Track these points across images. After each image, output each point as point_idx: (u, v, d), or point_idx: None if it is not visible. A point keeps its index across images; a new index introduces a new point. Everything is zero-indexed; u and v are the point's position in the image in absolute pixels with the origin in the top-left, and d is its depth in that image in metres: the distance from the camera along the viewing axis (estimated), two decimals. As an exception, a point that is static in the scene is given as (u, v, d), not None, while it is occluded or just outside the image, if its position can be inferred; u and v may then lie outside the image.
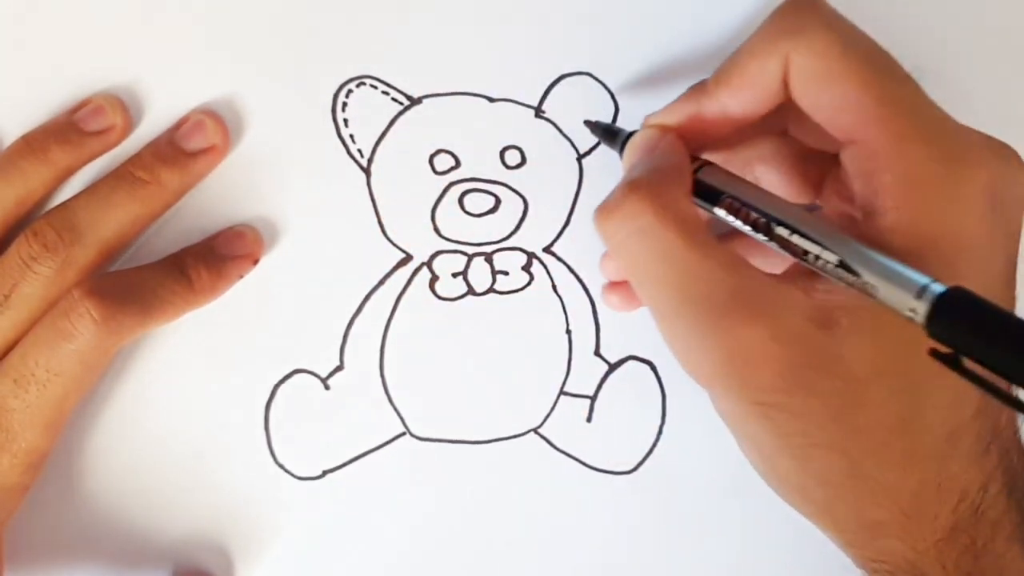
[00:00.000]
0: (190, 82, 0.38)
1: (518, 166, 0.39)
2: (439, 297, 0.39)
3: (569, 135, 0.39)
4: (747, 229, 0.31)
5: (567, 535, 0.40)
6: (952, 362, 0.26)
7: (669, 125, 0.33)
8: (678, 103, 0.33)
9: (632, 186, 0.30)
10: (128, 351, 0.38)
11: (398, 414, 0.39)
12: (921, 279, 0.27)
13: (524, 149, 0.39)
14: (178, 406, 0.39)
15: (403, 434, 0.39)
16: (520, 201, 0.39)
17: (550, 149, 0.39)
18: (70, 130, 0.37)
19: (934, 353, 0.27)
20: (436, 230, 0.39)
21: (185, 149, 0.37)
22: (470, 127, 0.39)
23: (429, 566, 0.40)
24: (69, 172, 0.38)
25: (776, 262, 0.34)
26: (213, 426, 0.39)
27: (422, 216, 0.39)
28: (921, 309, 0.27)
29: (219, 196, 0.38)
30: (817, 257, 0.29)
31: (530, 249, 0.39)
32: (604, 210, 0.31)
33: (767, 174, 0.35)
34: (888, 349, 0.29)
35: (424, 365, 0.39)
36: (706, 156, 0.34)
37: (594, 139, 0.39)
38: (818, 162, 0.34)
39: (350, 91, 0.38)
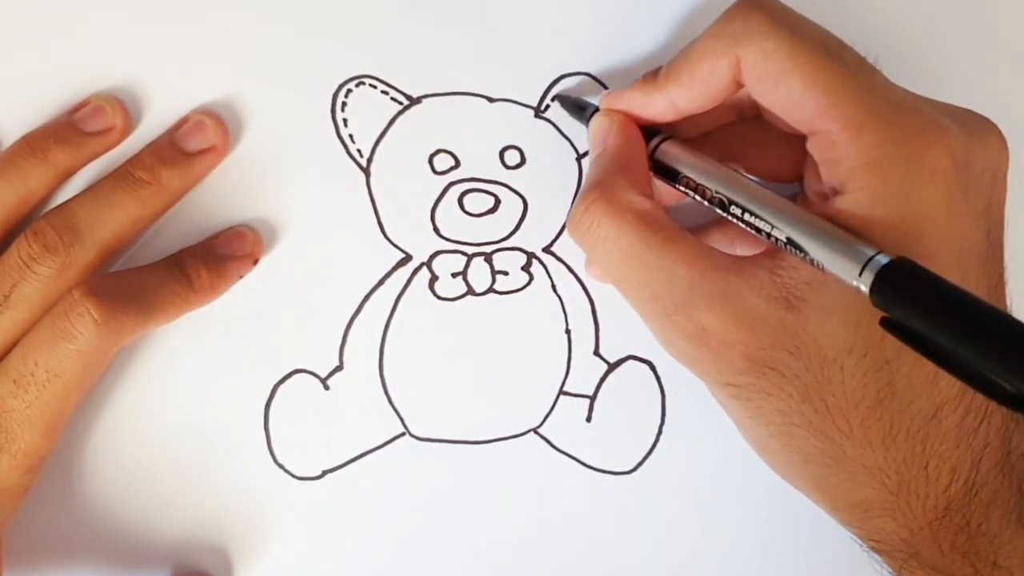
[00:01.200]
0: (190, 82, 0.38)
1: (518, 166, 0.39)
2: (439, 297, 0.39)
3: (569, 135, 0.39)
4: (707, 204, 0.33)
5: (567, 535, 0.40)
6: (903, 332, 0.27)
7: (622, 111, 0.35)
8: (630, 91, 0.35)
9: (588, 195, 0.32)
10: (128, 352, 0.38)
11: (397, 414, 0.39)
12: (867, 251, 0.28)
13: (524, 149, 0.39)
14: (178, 406, 0.39)
15: (402, 434, 0.39)
16: (520, 201, 0.39)
17: (550, 149, 0.39)
18: (70, 131, 0.37)
19: (884, 322, 0.27)
20: (436, 230, 0.39)
21: (185, 149, 0.37)
22: (470, 127, 0.39)
23: (428, 566, 0.40)
24: (69, 173, 0.38)
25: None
26: (213, 426, 0.39)
27: (422, 216, 0.39)
28: (866, 280, 0.27)
29: (219, 196, 0.38)
30: (769, 235, 0.30)
31: (530, 249, 0.39)
32: (571, 223, 0.33)
33: (748, 156, 0.36)
34: (857, 326, 0.29)
35: (423, 365, 0.39)
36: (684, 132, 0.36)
37: (594, 139, 0.39)
38: (795, 143, 0.34)
39: (349, 91, 0.38)
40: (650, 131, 0.35)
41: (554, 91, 0.39)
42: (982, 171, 0.30)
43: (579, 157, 0.39)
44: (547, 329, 0.40)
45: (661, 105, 0.34)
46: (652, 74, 0.34)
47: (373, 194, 0.39)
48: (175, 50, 0.38)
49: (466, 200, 0.39)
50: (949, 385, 0.29)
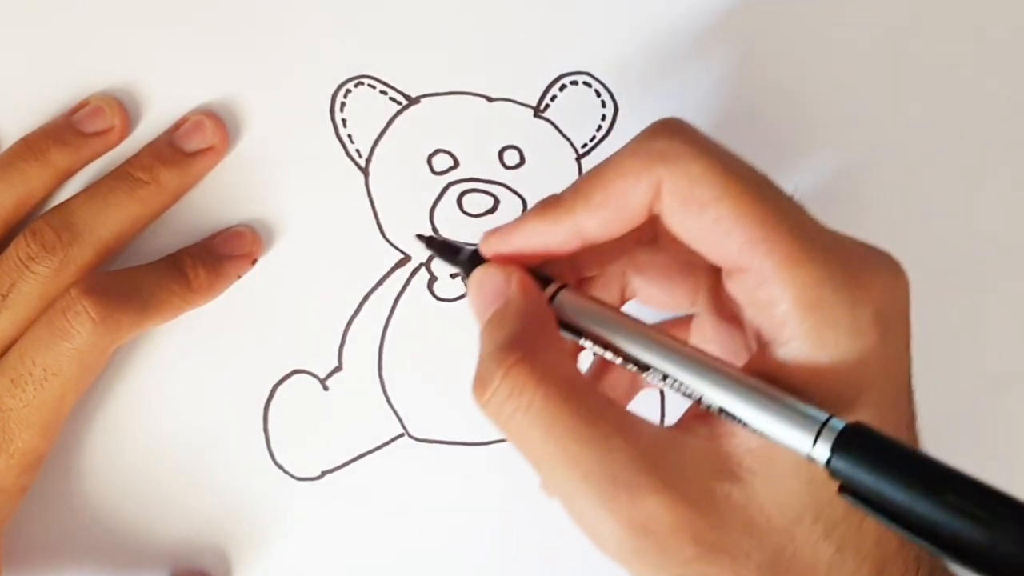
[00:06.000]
0: (189, 83, 0.38)
1: (517, 166, 0.39)
2: (437, 298, 0.39)
3: (568, 135, 0.39)
4: (619, 362, 0.29)
5: (566, 535, 0.40)
6: (861, 498, 0.25)
7: (511, 253, 0.30)
8: (525, 221, 0.30)
9: (505, 358, 0.27)
10: (126, 352, 0.38)
11: (396, 415, 0.39)
12: (818, 416, 0.25)
13: (523, 149, 0.39)
14: (177, 407, 0.39)
15: (401, 435, 0.39)
16: (519, 201, 0.39)
17: (549, 149, 0.39)
18: (69, 132, 0.37)
19: (844, 491, 0.25)
20: (435, 230, 0.39)
21: (184, 149, 0.37)
22: (469, 127, 0.39)
23: (428, 567, 0.40)
24: (68, 173, 0.38)
25: None
26: (212, 426, 0.39)
27: (420, 216, 0.39)
28: (821, 450, 0.25)
29: (217, 196, 0.38)
30: (699, 400, 0.27)
31: (529, 249, 0.39)
32: (480, 388, 0.28)
33: (641, 285, 0.34)
34: (807, 492, 0.26)
35: (423, 366, 0.39)
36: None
37: (593, 139, 0.39)
38: (695, 272, 0.33)
39: (348, 91, 0.38)
40: (539, 277, 0.30)
41: (565, 100, 0.38)
42: (898, 312, 0.28)
43: (579, 157, 0.39)
44: (546, 329, 0.39)
45: (564, 233, 0.29)
46: (551, 199, 0.29)
47: (372, 194, 0.39)
48: (174, 50, 0.38)
49: (465, 200, 0.39)
50: (888, 540, 0.28)
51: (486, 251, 0.30)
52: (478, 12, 0.39)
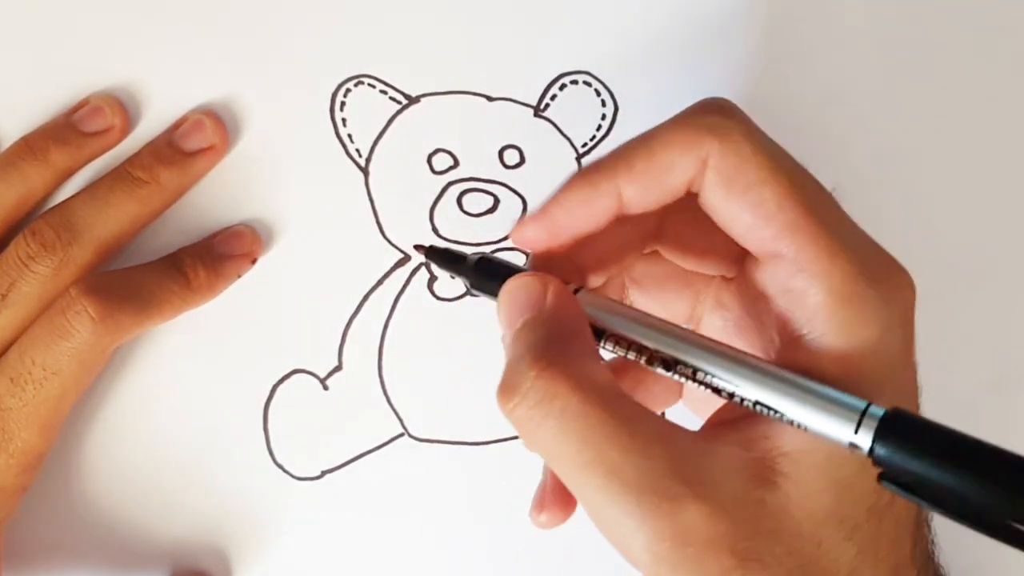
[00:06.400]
0: (189, 82, 0.38)
1: (517, 166, 0.39)
2: (437, 297, 0.39)
3: (568, 134, 0.39)
4: (643, 363, 0.28)
5: (566, 535, 0.40)
6: (908, 488, 0.25)
7: (546, 233, 0.30)
8: (562, 191, 0.29)
9: (538, 361, 0.26)
10: (126, 352, 0.38)
11: (396, 415, 0.39)
12: (858, 404, 0.25)
13: (523, 148, 0.39)
14: (176, 406, 0.39)
15: (401, 435, 0.39)
16: (519, 201, 0.39)
17: (549, 148, 0.39)
18: (69, 131, 0.37)
19: (886, 479, 0.25)
20: (434, 230, 0.39)
21: (184, 149, 0.37)
22: (469, 126, 0.39)
23: (428, 567, 0.40)
24: (68, 173, 0.38)
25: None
26: (212, 426, 0.39)
27: (420, 216, 0.39)
28: (863, 437, 0.25)
29: (217, 196, 0.38)
30: (732, 395, 0.27)
31: (529, 249, 0.39)
32: (508, 392, 0.27)
33: (638, 297, 0.34)
34: (832, 491, 0.26)
35: (423, 366, 0.39)
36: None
37: (593, 138, 0.39)
38: (694, 283, 0.33)
39: (348, 90, 0.38)
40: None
41: (565, 99, 0.38)
42: (912, 319, 0.28)
43: (579, 156, 0.39)
44: (546, 329, 0.39)
45: (605, 200, 0.29)
46: (590, 166, 0.29)
47: (372, 194, 0.39)
48: (174, 50, 0.38)
49: (465, 200, 0.39)
50: (906, 542, 0.28)
51: (518, 238, 0.30)
52: (478, 12, 0.39)
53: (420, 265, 0.39)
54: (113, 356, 0.37)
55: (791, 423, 0.26)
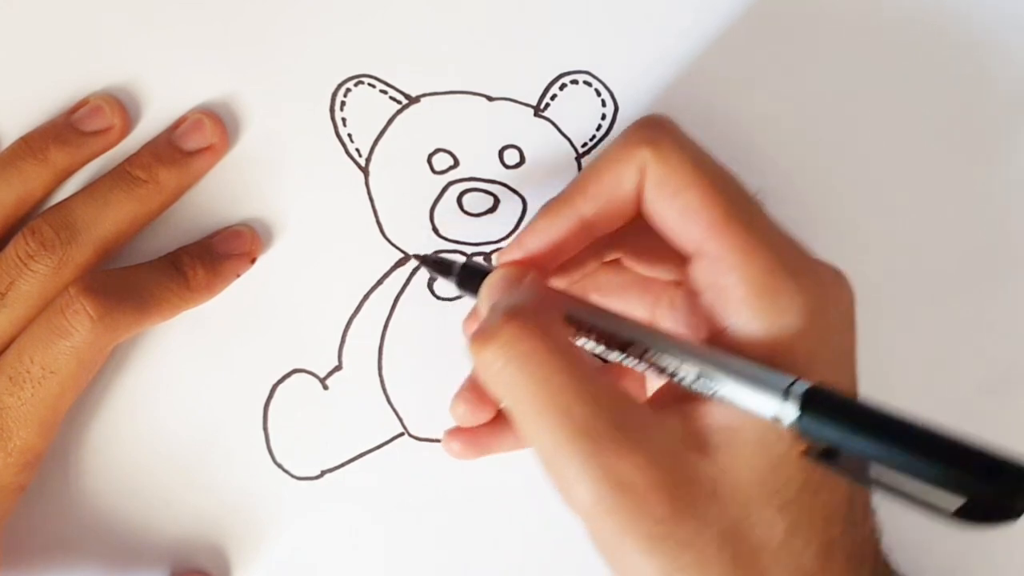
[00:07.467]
0: (188, 82, 0.38)
1: (517, 165, 0.39)
2: (437, 297, 0.39)
3: (568, 134, 0.39)
4: (600, 350, 0.31)
5: (565, 535, 0.40)
6: (830, 458, 0.27)
7: (525, 258, 0.33)
8: (530, 226, 0.33)
9: (510, 312, 0.29)
10: (126, 351, 0.38)
11: (396, 414, 0.39)
12: (783, 380, 0.28)
13: (523, 148, 0.39)
14: (176, 406, 0.39)
15: (401, 434, 0.39)
16: (519, 201, 0.39)
17: (549, 148, 0.39)
18: (68, 131, 0.37)
19: (809, 453, 0.27)
20: (434, 230, 0.39)
21: (183, 148, 0.37)
22: (469, 126, 0.39)
23: (427, 566, 0.40)
24: (68, 173, 0.38)
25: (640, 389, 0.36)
26: (211, 426, 0.39)
27: (420, 216, 0.39)
28: (788, 411, 0.27)
29: (217, 195, 0.38)
30: (674, 373, 0.29)
31: (529, 249, 0.39)
32: (480, 336, 0.29)
33: (603, 303, 0.34)
34: (764, 464, 0.29)
35: (423, 365, 0.39)
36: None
37: (593, 138, 0.39)
38: (652, 289, 0.35)
39: (348, 90, 0.38)
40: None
41: (565, 99, 0.39)
42: (841, 314, 0.31)
43: (579, 156, 0.39)
44: (546, 329, 0.39)
45: (568, 225, 0.32)
46: (552, 200, 0.33)
47: (372, 193, 0.39)
48: (174, 49, 0.38)
49: (465, 200, 0.39)
50: (837, 521, 0.29)
51: (503, 258, 0.33)
52: (478, 11, 0.39)
53: (420, 265, 0.39)
54: (112, 355, 0.37)
55: (723, 400, 0.29)
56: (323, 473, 0.39)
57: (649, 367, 0.30)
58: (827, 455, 0.27)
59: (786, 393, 0.27)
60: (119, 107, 0.38)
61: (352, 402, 0.39)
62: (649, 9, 0.39)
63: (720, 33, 0.39)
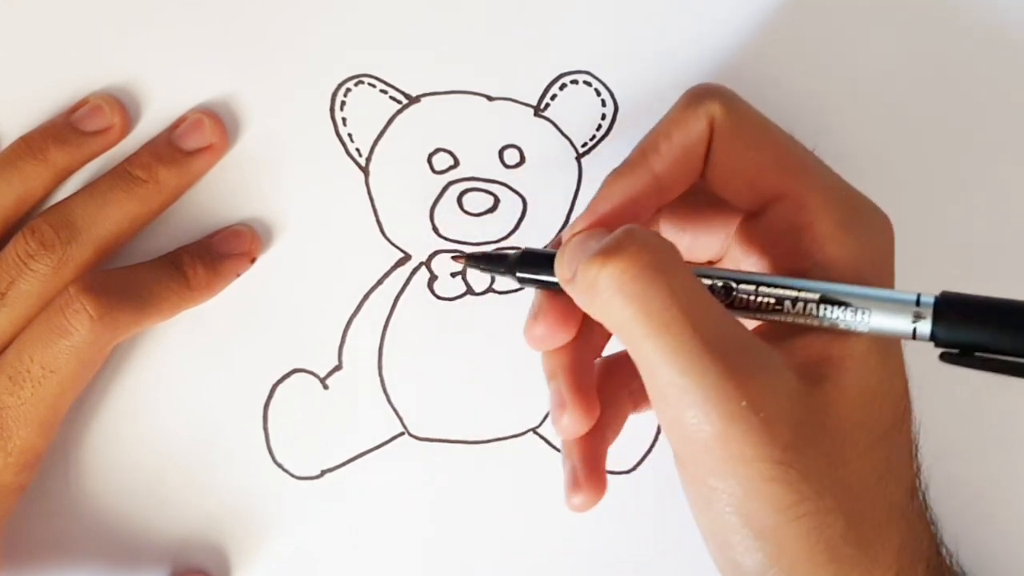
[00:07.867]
0: (188, 81, 0.38)
1: (517, 165, 0.39)
2: (438, 297, 0.39)
3: (568, 134, 0.39)
4: (721, 291, 0.31)
5: (566, 534, 0.40)
6: (969, 358, 0.28)
7: (596, 221, 0.32)
8: (601, 191, 0.32)
9: (630, 230, 0.28)
10: (127, 351, 0.38)
11: (397, 414, 0.39)
12: (909, 295, 0.29)
13: (523, 148, 0.39)
14: (176, 405, 0.39)
15: (402, 434, 0.39)
16: (519, 200, 0.39)
17: (549, 148, 0.39)
18: (68, 131, 0.37)
19: (946, 356, 0.28)
20: (435, 229, 0.39)
21: (183, 148, 0.37)
22: (469, 126, 0.39)
23: (428, 566, 0.40)
24: (68, 172, 0.38)
25: None
26: (211, 425, 0.39)
27: (420, 215, 0.39)
28: (923, 320, 0.28)
29: (217, 195, 0.38)
30: (795, 302, 0.29)
31: (529, 249, 0.39)
32: (604, 252, 0.28)
33: (670, 236, 0.35)
34: (866, 399, 0.29)
35: (423, 365, 0.39)
36: None
37: (593, 138, 0.39)
38: (725, 222, 0.35)
39: (348, 90, 0.38)
40: None
41: (565, 99, 0.39)
42: (892, 242, 0.32)
43: (579, 156, 0.39)
44: (546, 329, 0.39)
45: (642, 182, 0.31)
46: (619, 167, 0.32)
47: (372, 193, 0.39)
48: (173, 49, 0.38)
49: (465, 199, 0.39)
50: (913, 462, 0.31)
51: (577, 228, 0.32)
52: (478, 11, 0.39)
53: (420, 264, 0.39)
54: (112, 355, 0.37)
55: (848, 327, 0.29)
56: (323, 473, 0.39)
57: (762, 301, 0.30)
58: (962, 355, 0.28)
59: (916, 305, 0.28)
60: (119, 107, 0.38)
61: (352, 402, 0.39)
62: (649, 9, 0.39)
63: (720, 33, 0.39)
